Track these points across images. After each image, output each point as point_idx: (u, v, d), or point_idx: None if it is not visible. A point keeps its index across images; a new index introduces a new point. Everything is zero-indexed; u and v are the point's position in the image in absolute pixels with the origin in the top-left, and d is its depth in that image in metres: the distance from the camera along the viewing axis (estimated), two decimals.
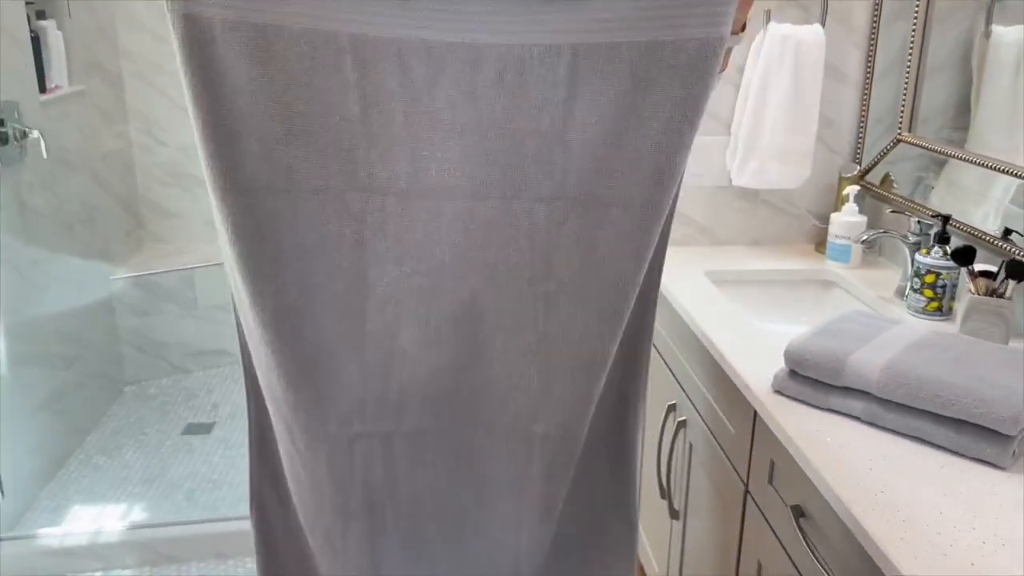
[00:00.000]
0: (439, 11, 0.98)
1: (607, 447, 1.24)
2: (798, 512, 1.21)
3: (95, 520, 2.45)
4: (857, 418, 1.24)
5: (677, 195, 1.13)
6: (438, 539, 1.24)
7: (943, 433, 1.15)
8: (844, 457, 1.15)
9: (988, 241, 1.61)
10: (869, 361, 1.23)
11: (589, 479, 1.23)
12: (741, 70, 1.95)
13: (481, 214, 1.05)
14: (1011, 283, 1.42)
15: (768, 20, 1.90)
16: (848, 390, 1.25)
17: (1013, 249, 1.53)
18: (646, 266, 1.11)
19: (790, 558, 1.24)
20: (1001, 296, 1.43)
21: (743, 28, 1.09)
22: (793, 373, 1.30)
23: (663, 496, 1.82)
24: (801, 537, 1.18)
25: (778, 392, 1.32)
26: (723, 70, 1.07)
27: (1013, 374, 1.17)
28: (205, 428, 3.02)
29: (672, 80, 1.01)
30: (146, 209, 3.55)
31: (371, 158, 1.03)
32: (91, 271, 3.04)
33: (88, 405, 2.97)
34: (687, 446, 1.74)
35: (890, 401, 1.20)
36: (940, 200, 1.87)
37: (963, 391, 1.13)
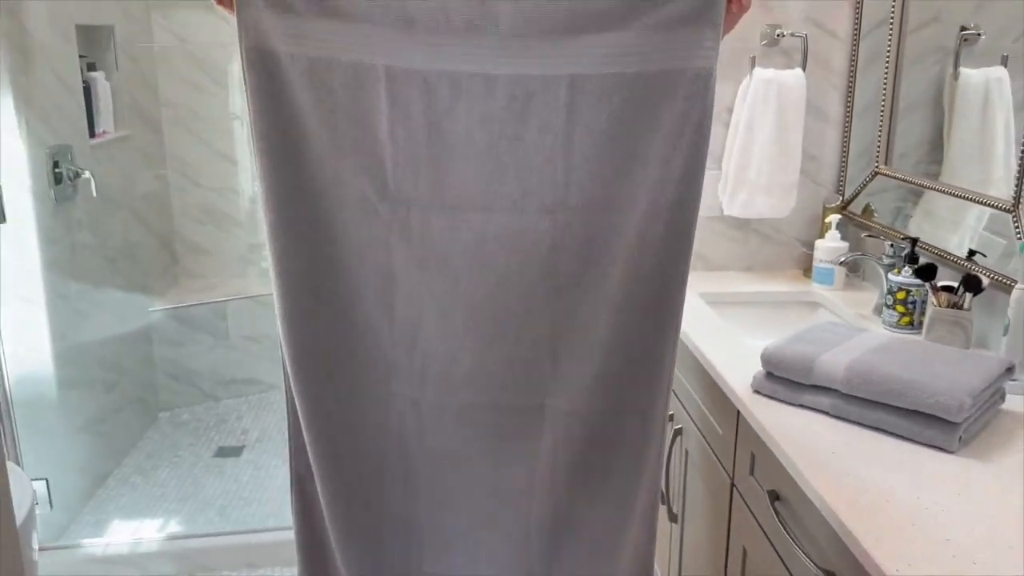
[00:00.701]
0: (458, 47, 1.18)
1: (626, 429, 1.37)
2: (773, 496, 1.36)
3: (134, 532, 2.61)
4: (825, 412, 1.39)
5: (690, 207, 1.26)
6: (459, 494, 1.40)
7: (899, 423, 1.31)
8: (813, 446, 1.30)
9: (954, 261, 1.77)
10: (835, 362, 1.39)
11: (604, 456, 1.38)
12: (730, 110, 2.14)
13: (493, 225, 1.24)
14: (968, 296, 1.58)
15: (753, 66, 2.09)
16: (817, 388, 1.40)
17: (975, 268, 1.69)
18: (646, 260, 1.26)
19: (768, 539, 1.39)
20: (960, 308, 1.59)
21: None
22: (769, 374, 1.46)
23: (663, 501, 1.96)
24: (776, 518, 1.33)
25: (756, 392, 1.48)
26: None
27: (960, 370, 1.33)
28: (235, 451, 3.19)
29: (667, 104, 1.19)
30: (181, 246, 3.77)
31: (397, 174, 1.23)
32: (131, 303, 3.24)
33: (126, 429, 3.16)
34: (683, 453, 1.89)
35: (853, 396, 1.36)
36: (918, 228, 2.03)
37: (915, 385, 1.29)
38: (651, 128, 1.19)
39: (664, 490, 1.96)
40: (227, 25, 3.82)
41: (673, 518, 1.94)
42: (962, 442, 1.27)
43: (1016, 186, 1.59)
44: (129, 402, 3.20)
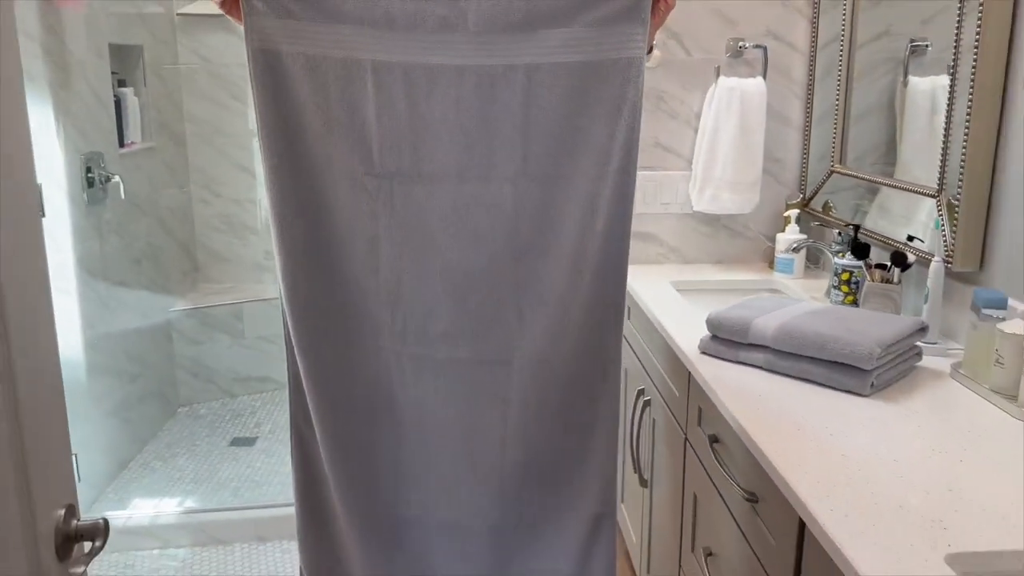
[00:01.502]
0: (434, 42, 1.40)
1: (585, 371, 1.56)
2: (713, 439, 1.55)
3: (154, 508, 2.82)
4: (759, 367, 1.59)
5: (629, 175, 1.46)
6: (440, 437, 1.59)
7: (820, 372, 1.50)
8: (747, 395, 1.49)
9: (896, 245, 1.96)
10: (768, 324, 1.59)
11: (567, 395, 1.57)
12: (698, 116, 2.35)
13: (464, 193, 1.46)
14: (897, 271, 1.77)
15: (719, 75, 2.30)
16: (752, 346, 1.60)
17: (911, 249, 1.88)
18: (597, 223, 1.46)
19: (709, 477, 1.57)
20: (890, 282, 1.78)
21: (651, 50, 1.49)
22: (714, 336, 1.66)
23: (635, 470, 2.15)
24: (713, 456, 1.52)
25: (703, 352, 1.68)
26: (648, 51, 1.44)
27: (875, 327, 1.52)
28: (249, 441, 3.40)
29: (605, 88, 1.41)
30: (201, 253, 4.01)
31: (382, 151, 1.45)
32: (154, 301, 3.48)
33: (147, 419, 3.38)
34: (651, 422, 2.08)
35: (782, 351, 1.55)
36: (873, 223, 2.22)
37: (834, 339, 1.48)
38: (595, 107, 1.41)
39: (635, 459, 2.15)
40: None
41: (643, 483, 2.12)
42: (874, 388, 1.46)
43: (939, 174, 1.79)
44: (151, 394, 3.42)
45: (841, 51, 2.24)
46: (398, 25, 1.39)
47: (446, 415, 1.59)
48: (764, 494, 1.30)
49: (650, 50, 1.47)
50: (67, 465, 1.03)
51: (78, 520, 1.01)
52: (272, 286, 3.96)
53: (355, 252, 1.49)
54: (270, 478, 3.08)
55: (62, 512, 0.98)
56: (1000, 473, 1.18)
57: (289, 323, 1.57)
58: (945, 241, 1.72)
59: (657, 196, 2.42)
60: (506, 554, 1.62)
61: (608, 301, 1.51)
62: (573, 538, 1.60)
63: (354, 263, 1.50)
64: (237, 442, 3.39)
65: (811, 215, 2.36)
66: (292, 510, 2.71)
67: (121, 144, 3.21)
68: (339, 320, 1.54)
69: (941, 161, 1.79)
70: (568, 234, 1.47)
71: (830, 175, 2.30)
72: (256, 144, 4.14)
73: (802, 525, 1.16)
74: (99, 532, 1.00)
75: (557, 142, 1.44)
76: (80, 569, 0.99)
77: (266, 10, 1.39)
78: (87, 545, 1.02)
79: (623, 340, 1.67)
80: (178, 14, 3.75)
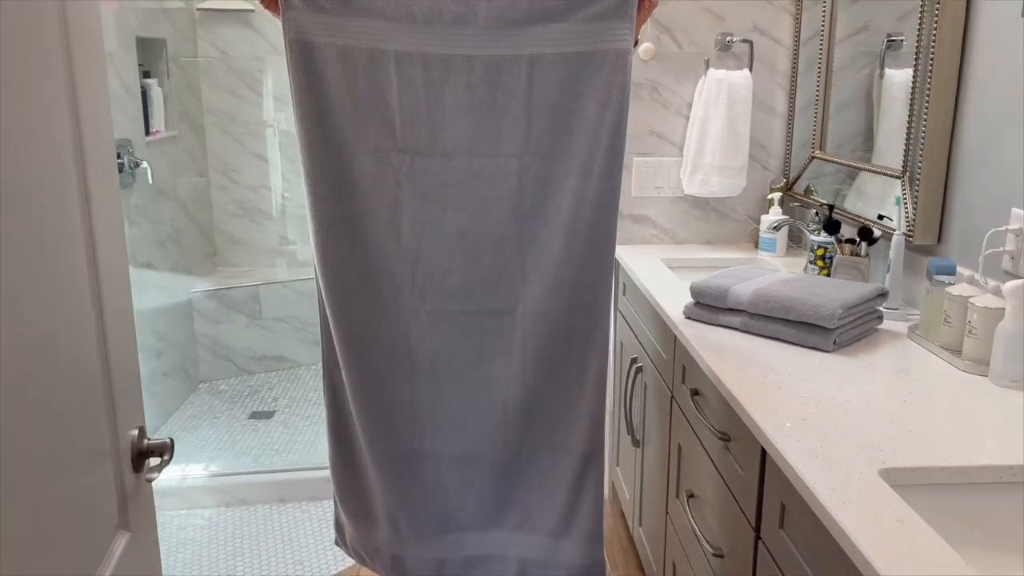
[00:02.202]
0: (448, 35, 1.60)
1: (578, 323, 1.75)
2: (694, 392, 1.73)
3: (180, 472, 3.01)
4: (736, 328, 1.77)
5: (618, 153, 1.64)
6: (451, 383, 1.79)
7: (790, 331, 1.68)
8: (724, 352, 1.67)
9: (864, 221, 2.13)
10: (744, 290, 1.77)
11: (562, 345, 1.76)
12: (690, 105, 2.53)
13: (475, 166, 1.65)
14: (864, 245, 1.95)
15: (708, 67, 2.48)
16: (731, 310, 1.78)
17: (880, 226, 2.06)
18: (589, 193, 1.65)
19: (691, 426, 1.76)
20: (858, 255, 1.96)
21: (637, 43, 1.67)
22: (697, 303, 1.85)
23: (628, 432, 2.34)
24: (694, 407, 1.70)
25: (687, 317, 1.86)
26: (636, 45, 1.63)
27: (839, 292, 1.70)
28: (267, 415, 3.60)
29: (597, 76, 1.60)
30: (219, 237, 4.21)
31: (404, 130, 1.64)
32: (177, 283, 3.67)
33: (171, 393, 3.58)
34: (643, 387, 2.27)
35: (756, 314, 1.73)
36: (852, 204, 2.39)
37: (800, 301, 1.67)
38: (588, 93, 1.60)
39: (628, 422, 2.34)
40: (263, 40, 4.31)
41: (635, 444, 2.31)
42: (836, 345, 1.65)
43: (903, 156, 1.97)
44: (174, 370, 3.62)
45: (821, 46, 2.42)
46: (418, 20, 1.58)
47: (457, 360, 1.78)
48: (735, 433, 1.49)
49: (636, 43, 1.65)
50: (138, 392, 1.22)
51: (148, 439, 1.20)
52: (285, 270, 4.16)
53: (380, 220, 1.69)
54: (288, 447, 3.28)
55: (136, 432, 1.17)
56: (935, 411, 1.36)
57: (320, 283, 1.76)
58: (907, 217, 1.90)
59: (651, 180, 2.60)
60: (507, 484, 1.82)
61: (599, 262, 1.69)
62: (566, 471, 1.79)
63: (379, 229, 1.69)
64: (256, 415, 3.59)
65: (793, 198, 2.54)
66: (310, 474, 2.93)
67: (147, 132, 3.40)
68: (364, 280, 1.73)
69: (905, 145, 1.97)
70: (564, 203, 1.66)
71: (811, 161, 2.48)
72: (270, 133, 4.35)
73: (764, 453, 1.34)
74: (166, 448, 1.19)
75: (555, 122, 1.62)
76: (153, 476, 1.18)
77: (302, 6, 1.58)
78: (154, 461, 1.22)
79: (620, 315, 1.84)
80: (198, 9, 3.93)
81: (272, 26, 3.94)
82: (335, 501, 1.98)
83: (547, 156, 1.65)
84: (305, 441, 3.32)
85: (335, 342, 1.78)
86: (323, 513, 2.81)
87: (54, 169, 0.92)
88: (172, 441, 1.20)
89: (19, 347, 0.81)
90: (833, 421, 1.32)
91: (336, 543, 2.07)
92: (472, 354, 1.76)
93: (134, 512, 1.18)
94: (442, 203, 1.68)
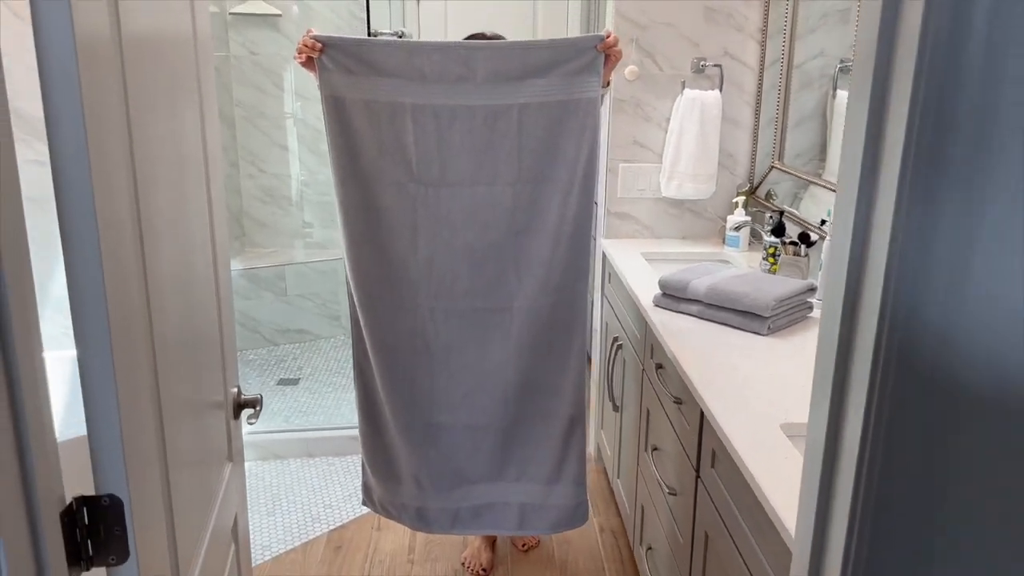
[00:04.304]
0: (453, 90, 1.99)
1: (563, 314, 2.17)
2: (658, 366, 2.16)
3: None
4: (694, 315, 2.19)
5: (591, 178, 2.07)
6: (461, 367, 2.21)
7: (735, 319, 2.10)
8: (683, 335, 2.09)
9: (807, 225, 2.55)
10: (702, 284, 2.19)
11: (548, 333, 2.19)
12: (667, 120, 2.93)
13: (477, 194, 2.06)
14: (803, 247, 2.37)
15: (683, 87, 2.88)
16: (690, 300, 2.20)
17: (820, 231, 2.47)
18: (569, 212, 2.06)
19: (656, 394, 2.19)
20: (799, 255, 2.38)
21: (608, 84, 2.07)
22: (664, 293, 2.26)
23: (610, 399, 2.77)
24: (658, 378, 2.13)
25: (656, 305, 2.28)
26: (606, 85, 2.04)
27: (776, 287, 2.12)
28: (293, 382, 4.03)
29: (573, 119, 2.01)
30: (248, 221, 4.62)
31: (419, 166, 2.05)
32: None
33: None
34: (623, 362, 2.69)
35: (710, 304, 2.15)
36: (806, 209, 2.80)
37: (744, 294, 2.09)
38: (566, 133, 2.01)
39: (610, 391, 2.77)
40: (288, 41, 4.71)
41: (615, 409, 2.74)
42: (770, 330, 2.06)
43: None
44: None
45: (782, 69, 2.82)
46: (428, 78, 1.99)
47: (466, 348, 2.20)
48: (684, 398, 1.91)
49: (608, 83, 2.05)
50: (235, 357, 1.64)
51: (243, 395, 1.63)
52: (306, 251, 4.58)
53: (401, 238, 2.10)
54: (313, 409, 3.72)
55: (236, 388, 1.60)
56: None
57: (352, 289, 2.18)
58: None
59: (634, 183, 3.01)
60: (509, 445, 2.25)
61: (577, 266, 2.12)
62: (555, 431, 2.22)
63: (400, 245, 2.10)
64: (283, 382, 4.02)
65: (755, 202, 2.95)
66: (335, 432, 3.37)
67: None
68: (388, 287, 2.14)
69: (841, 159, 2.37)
70: (550, 220, 2.07)
71: (771, 170, 2.89)
72: (291, 124, 4.74)
73: (702, 414, 1.77)
74: (258, 402, 1.62)
75: (541, 157, 2.04)
76: (252, 421, 1.61)
77: (335, 68, 1.98)
78: (248, 412, 1.64)
79: (605, 301, 2.25)
80: (230, 13, 4.31)
81: (295, 28, 4.33)
82: (363, 468, 2.40)
83: (535, 183, 2.06)
84: (327, 405, 3.75)
85: (365, 337, 2.20)
86: (347, 466, 3.25)
87: (198, 175, 1.33)
88: (261, 396, 1.63)
89: (183, 326, 1.23)
90: (753, 389, 1.74)
91: (363, 503, 2.49)
92: (477, 343, 2.18)
93: (235, 450, 1.61)
94: (451, 224, 2.09)
